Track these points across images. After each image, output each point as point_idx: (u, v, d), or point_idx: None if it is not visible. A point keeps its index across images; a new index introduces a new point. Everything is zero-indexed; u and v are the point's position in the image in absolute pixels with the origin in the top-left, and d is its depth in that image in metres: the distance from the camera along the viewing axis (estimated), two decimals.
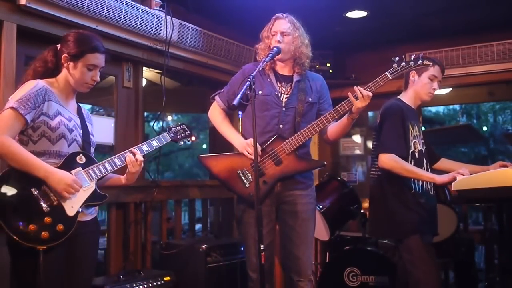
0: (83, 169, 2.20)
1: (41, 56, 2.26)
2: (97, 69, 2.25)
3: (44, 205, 2.04)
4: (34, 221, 2.01)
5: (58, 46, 2.26)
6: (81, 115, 2.34)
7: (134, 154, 2.34)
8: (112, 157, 2.31)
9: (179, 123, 2.62)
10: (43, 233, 2.01)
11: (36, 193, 2.05)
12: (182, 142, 2.62)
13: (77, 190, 2.12)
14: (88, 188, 2.20)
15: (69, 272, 2.18)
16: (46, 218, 2.03)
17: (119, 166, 2.30)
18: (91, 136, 2.35)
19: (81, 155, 2.22)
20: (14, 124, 2.06)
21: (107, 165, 2.27)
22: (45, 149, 2.13)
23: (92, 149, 2.35)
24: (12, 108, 2.05)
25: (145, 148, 2.40)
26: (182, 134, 2.60)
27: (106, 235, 3.48)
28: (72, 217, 2.12)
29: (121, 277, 2.92)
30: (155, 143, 2.44)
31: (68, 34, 2.25)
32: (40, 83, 2.15)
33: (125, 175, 2.41)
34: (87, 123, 2.36)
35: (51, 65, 2.23)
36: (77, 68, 2.20)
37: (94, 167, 2.23)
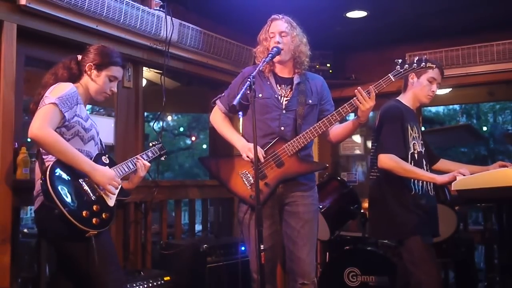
0: (109, 168, 2.39)
1: (62, 64, 2.40)
2: (116, 81, 2.45)
3: (91, 194, 2.24)
4: (86, 208, 2.18)
5: (79, 56, 2.42)
6: None
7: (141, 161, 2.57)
8: (126, 161, 2.52)
9: (156, 142, 2.84)
10: (94, 219, 2.19)
11: (84, 183, 2.23)
12: (162, 158, 2.85)
13: (119, 182, 2.33)
14: None
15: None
16: (94, 206, 2.22)
17: (132, 170, 2.52)
18: (102, 142, 2.55)
19: (105, 156, 2.44)
20: (55, 119, 2.19)
21: (124, 166, 2.49)
22: (77, 147, 2.25)
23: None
24: (54, 103, 2.17)
25: (145, 157, 2.64)
26: (162, 151, 2.82)
27: None
28: (112, 207, 2.32)
29: None
30: (150, 154, 2.71)
31: (93, 47, 2.44)
32: (73, 86, 2.30)
33: (130, 179, 2.59)
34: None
35: (75, 71, 2.39)
36: (100, 77, 2.39)
37: (117, 167, 2.44)
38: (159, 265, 3.48)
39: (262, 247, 2.22)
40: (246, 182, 2.68)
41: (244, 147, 2.67)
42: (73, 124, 2.26)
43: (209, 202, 4.37)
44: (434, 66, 2.69)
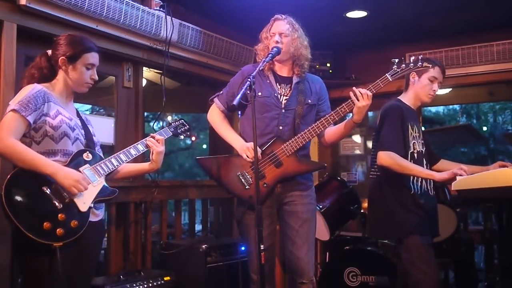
0: (90, 165, 2.23)
1: (34, 63, 2.27)
2: (94, 68, 2.28)
3: (56, 202, 2.06)
4: (48, 219, 2.01)
5: (49, 51, 2.27)
6: (81, 118, 2.36)
7: (153, 137, 2.44)
8: (118, 153, 2.35)
9: (177, 119, 2.69)
10: (58, 230, 2.02)
11: (47, 191, 2.06)
12: (182, 136, 2.68)
13: (85, 186, 2.12)
14: (98, 183, 2.22)
15: (73, 271, 2.14)
16: (59, 215, 2.05)
17: (125, 161, 2.35)
18: (93, 136, 2.38)
19: (87, 152, 2.25)
20: (17, 126, 2.06)
21: (113, 160, 2.31)
22: (49, 148, 2.13)
23: (97, 148, 2.37)
24: (13, 110, 2.06)
25: (140, 147, 2.45)
26: (182, 129, 2.66)
27: (106, 235, 3.48)
28: (85, 213, 2.14)
29: (121, 277, 2.92)
30: (157, 137, 2.49)
31: (60, 38, 2.26)
32: (38, 85, 2.16)
33: (151, 160, 2.45)
34: (87, 125, 2.38)
35: (46, 71, 2.24)
36: (76, 69, 2.23)
37: (101, 163, 2.26)
38: (159, 265, 3.47)
39: (262, 247, 2.22)
40: (245, 182, 2.67)
41: (242, 147, 2.66)
42: (40, 124, 2.12)
43: (209, 202, 4.37)
44: (431, 65, 2.70)
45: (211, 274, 3.25)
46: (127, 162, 2.38)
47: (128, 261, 3.39)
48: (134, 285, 2.88)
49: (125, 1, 3.17)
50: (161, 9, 3.47)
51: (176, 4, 3.64)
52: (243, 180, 2.68)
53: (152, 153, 2.45)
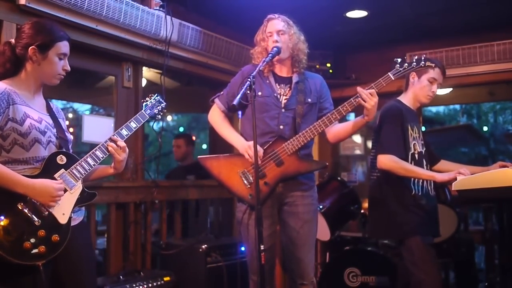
0: (65, 169, 2.05)
1: None
2: (66, 58, 2.11)
3: (35, 218, 1.92)
4: (28, 238, 1.88)
5: (12, 41, 2.09)
6: (51, 112, 2.17)
7: (115, 142, 2.19)
8: (93, 150, 2.15)
9: (151, 95, 2.46)
10: (39, 247, 1.90)
11: (23, 207, 1.91)
12: (159, 116, 2.48)
13: (61, 195, 1.99)
14: (76, 189, 2.07)
15: (70, 280, 2.08)
16: (39, 231, 1.91)
17: (102, 158, 2.16)
18: (66, 133, 2.18)
19: (61, 155, 2.06)
20: None
21: (90, 160, 2.12)
22: (19, 157, 1.97)
23: (70, 146, 2.18)
24: None
25: (124, 132, 2.25)
26: (158, 108, 2.44)
27: (106, 235, 3.47)
28: (65, 224, 2.01)
29: (121, 277, 2.92)
30: (133, 124, 2.30)
31: (25, 26, 2.07)
32: (1, 86, 1.97)
33: (112, 164, 2.25)
34: (59, 119, 2.19)
35: (9, 65, 2.05)
36: (48, 59, 2.04)
37: (77, 165, 2.09)
38: (159, 265, 3.47)
39: (262, 247, 2.22)
40: (245, 181, 2.66)
41: (244, 146, 2.66)
42: (7, 132, 1.93)
43: (209, 202, 4.36)
44: (434, 65, 2.69)
45: (211, 274, 3.25)
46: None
47: (127, 261, 3.39)
48: (134, 285, 2.88)
49: (124, 1, 3.16)
50: (161, 9, 3.46)
51: (176, 4, 3.64)
52: (244, 178, 2.67)
53: (114, 160, 2.21)
